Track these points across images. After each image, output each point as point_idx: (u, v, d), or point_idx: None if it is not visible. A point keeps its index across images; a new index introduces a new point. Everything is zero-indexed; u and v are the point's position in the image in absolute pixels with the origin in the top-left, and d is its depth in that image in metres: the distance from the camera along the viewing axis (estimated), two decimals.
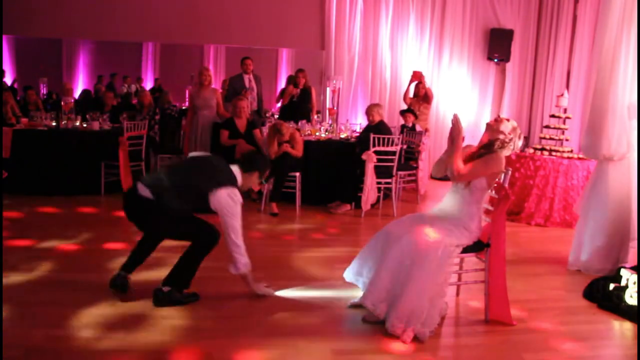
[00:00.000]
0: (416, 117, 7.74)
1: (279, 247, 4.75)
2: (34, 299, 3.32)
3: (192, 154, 3.70)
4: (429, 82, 8.52)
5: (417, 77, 8.28)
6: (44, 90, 10.37)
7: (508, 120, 3.34)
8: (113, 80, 13.19)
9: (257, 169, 3.47)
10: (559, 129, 6.62)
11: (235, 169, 3.41)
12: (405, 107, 8.19)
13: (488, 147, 3.30)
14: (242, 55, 7.71)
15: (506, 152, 3.31)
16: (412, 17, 9.39)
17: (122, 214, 3.36)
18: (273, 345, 2.89)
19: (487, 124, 3.40)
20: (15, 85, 12.01)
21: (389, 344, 2.96)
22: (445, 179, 3.68)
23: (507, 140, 3.28)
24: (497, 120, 3.34)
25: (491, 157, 3.23)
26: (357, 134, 7.10)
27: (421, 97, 8.23)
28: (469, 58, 9.58)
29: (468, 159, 3.29)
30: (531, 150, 6.56)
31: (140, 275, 3.57)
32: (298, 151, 6.17)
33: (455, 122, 3.26)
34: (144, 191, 3.23)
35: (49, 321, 3.02)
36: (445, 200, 3.41)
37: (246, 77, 7.47)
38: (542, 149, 6.46)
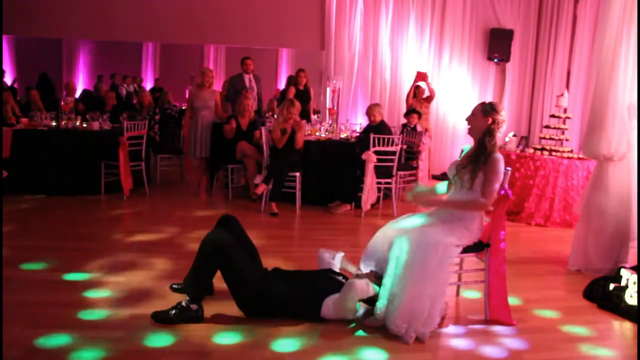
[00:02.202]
0: (420, 117, 7.75)
1: (279, 247, 4.75)
2: (34, 299, 3.32)
3: None
4: (429, 81, 8.53)
5: (422, 77, 8.27)
6: None
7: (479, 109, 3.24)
8: (114, 80, 13.21)
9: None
10: (559, 129, 6.62)
11: None
12: (406, 107, 8.19)
13: (480, 147, 3.20)
14: (242, 55, 7.72)
15: (500, 132, 3.22)
16: (412, 17, 9.40)
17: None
18: (273, 346, 2.89)
19: (467, 122, 3.31)
20: (16, 85, 12.03)
21: (389, 344, 2.96)
22: (444, 178, 3.64)
23: (493, 126, 3.18)
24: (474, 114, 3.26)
25: (490, 166, 3.13)
26: (357, 134, 7.10)
27: (422, 97, 8.23)
28: (469, 58, 9.59)
29: (466, 162, 3.25)
30: (531, 150, 6.56)
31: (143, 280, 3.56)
32: (300, 135, 6.15)
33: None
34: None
35: (49, 321, 3.02)
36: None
37: (246, 77, 7.48)
38: (542, 149, 6.46)
